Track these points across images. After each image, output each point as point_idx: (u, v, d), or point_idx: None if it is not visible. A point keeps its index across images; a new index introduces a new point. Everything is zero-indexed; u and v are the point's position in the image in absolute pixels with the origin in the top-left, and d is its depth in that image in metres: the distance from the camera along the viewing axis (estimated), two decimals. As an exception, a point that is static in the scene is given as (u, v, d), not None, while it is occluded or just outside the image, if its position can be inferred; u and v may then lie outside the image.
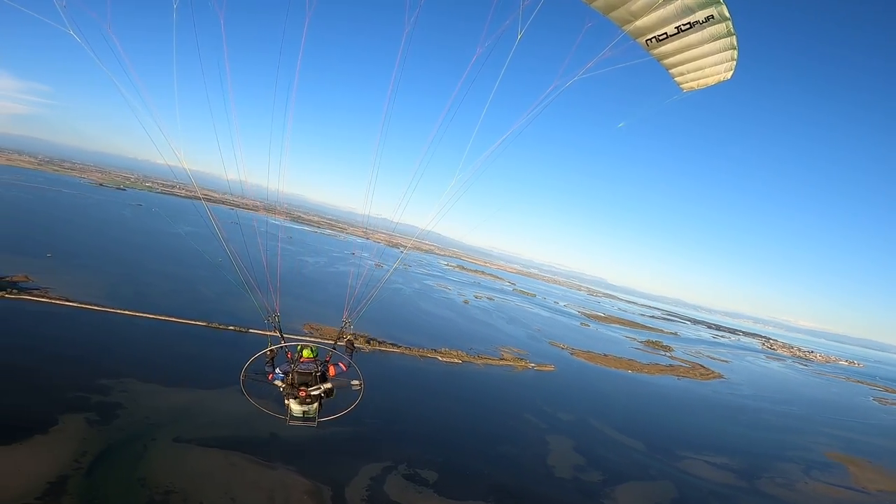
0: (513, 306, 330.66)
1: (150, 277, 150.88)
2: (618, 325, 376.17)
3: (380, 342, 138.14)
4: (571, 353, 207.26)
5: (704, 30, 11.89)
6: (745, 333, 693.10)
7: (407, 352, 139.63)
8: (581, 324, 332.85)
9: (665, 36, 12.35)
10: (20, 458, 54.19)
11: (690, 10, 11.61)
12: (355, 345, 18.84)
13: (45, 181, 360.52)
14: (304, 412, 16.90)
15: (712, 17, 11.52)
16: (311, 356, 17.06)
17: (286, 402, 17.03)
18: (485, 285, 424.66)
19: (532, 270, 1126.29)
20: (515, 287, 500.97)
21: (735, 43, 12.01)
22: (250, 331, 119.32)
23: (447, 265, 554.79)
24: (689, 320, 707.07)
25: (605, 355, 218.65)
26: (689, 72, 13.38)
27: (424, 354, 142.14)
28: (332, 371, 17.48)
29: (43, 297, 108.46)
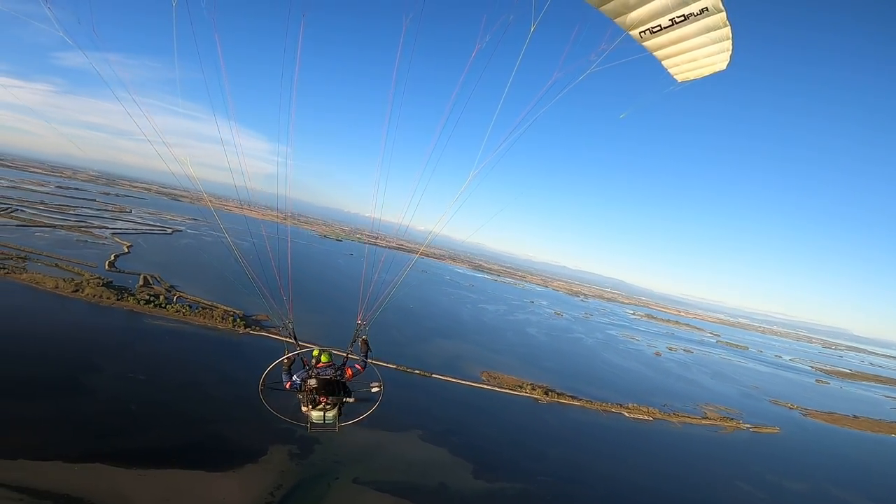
0: (717, 360, 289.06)
1: (352, 319, 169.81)
2: (872, 383, 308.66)
3: (558, 393, 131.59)
4: (803, 414, 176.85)
5: (699, 21, 11.71)
6: None
7: (588, 405, 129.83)
8: (816, 381, 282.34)
9: (659, 28, 12.17)
10: (229, 486, 61.53)
11: (685, 2, 11.48)
12: (369, 345, 17.83)
13: (285, 233, 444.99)
14: (323, 418, 16.44)
15: (706, 8, 11.39)
16: (329, 361, 16.48)
17: (304, 409, 16.54)
18: (680, 336, 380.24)
19: (741, 320, 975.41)
20: (720, 339, 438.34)
21: (730, 34, 11.86)
22: (433, 375, 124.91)
23: (633, 314, 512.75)
24: None
25: (854, 417, 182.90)
26: (683, 63, 13.12)
27: (608, 409, 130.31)
28: (349, 374, 16.80)
29: (275, 334, 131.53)
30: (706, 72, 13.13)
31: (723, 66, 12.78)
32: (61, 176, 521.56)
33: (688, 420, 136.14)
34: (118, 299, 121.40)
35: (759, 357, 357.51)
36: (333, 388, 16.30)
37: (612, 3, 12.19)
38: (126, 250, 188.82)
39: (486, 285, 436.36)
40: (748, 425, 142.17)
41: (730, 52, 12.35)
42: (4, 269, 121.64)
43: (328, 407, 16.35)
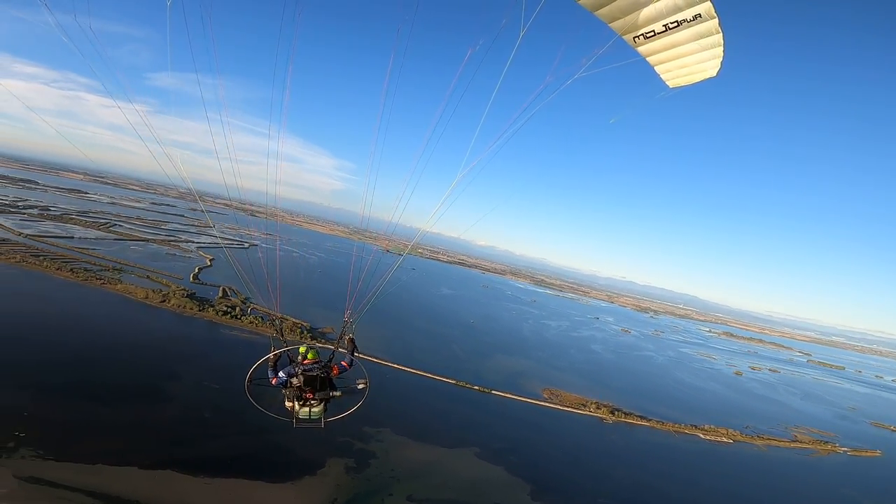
0: (808, 380, 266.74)
1: (414, 334, 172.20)
2: None
3: (625, 413, 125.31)
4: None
5: (692, 28, 11.85)
6: None
7: (658, 426, 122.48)
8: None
9: (653, 33, 12.31)
10: (288, 497, 62.22)
11: (678, 9, 11.61)
12: (356, 344, 18.17)
13: (351, 248, 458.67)
14: (309, 414, 16.51)
15: (700, 15, 11.51)
16: (315, 358, 16.75)
17: (289, 404, 16.63)
18: (764, 355, 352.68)
19: (835, 339, 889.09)
20: (811, 358, 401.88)
21: (721, 41, 11.98)
22: (493, 392, 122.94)
23: (710, 332, 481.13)
24: None
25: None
26: (675, 69, 13.29)
27: (680, 430, 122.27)
28: (335, 371, 16.92)
29: (329, 345, 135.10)
30: (697, 78, 13.27)
31: (713, 72, 12.87)
32: (154, 192, 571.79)
33: (774, 443, 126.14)
34: (199, 310, 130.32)
35: (858, 377, 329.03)
36: (319, 385, 16.62)
37: (607, 7, 12.29)
38: (209, 263, 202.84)
39: (548, 301, 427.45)
40: (845, 448, 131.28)
41: (720, 59, 12.48)
42: (101, 279, 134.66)
43: (314, 403, 16.62)
